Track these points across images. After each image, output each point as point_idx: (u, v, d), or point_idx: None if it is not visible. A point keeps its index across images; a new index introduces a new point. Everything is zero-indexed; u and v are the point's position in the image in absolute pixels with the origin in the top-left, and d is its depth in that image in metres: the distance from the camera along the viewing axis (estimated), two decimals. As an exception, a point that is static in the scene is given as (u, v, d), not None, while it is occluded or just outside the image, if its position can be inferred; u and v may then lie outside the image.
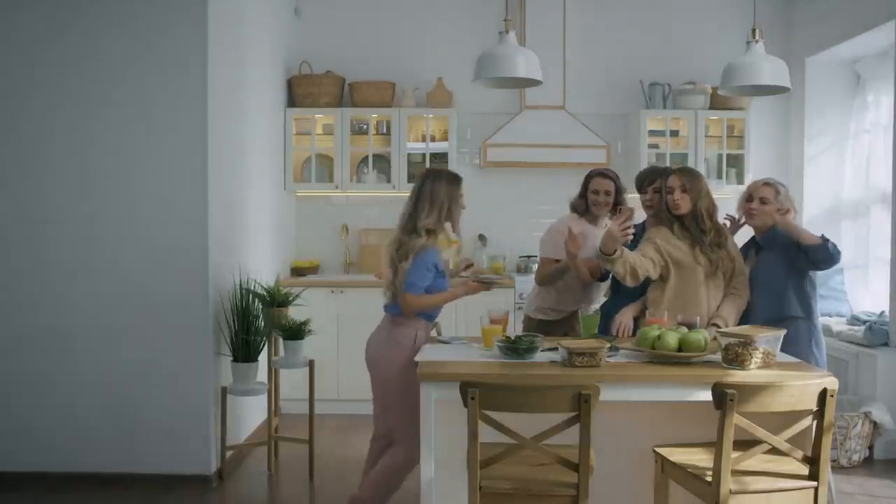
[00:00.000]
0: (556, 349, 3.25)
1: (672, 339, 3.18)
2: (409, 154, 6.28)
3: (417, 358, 3.26)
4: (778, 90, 4.26)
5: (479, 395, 2.67)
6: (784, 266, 3.76)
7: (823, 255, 3.64)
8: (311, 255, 6.52)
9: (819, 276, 3.90)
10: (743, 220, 3.99)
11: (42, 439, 4.40)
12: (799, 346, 3.65)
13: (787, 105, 6.43)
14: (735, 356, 3.09)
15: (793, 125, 6.46)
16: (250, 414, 5.12)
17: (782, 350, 3.28)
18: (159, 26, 4.37)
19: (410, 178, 6.15)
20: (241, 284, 4.61)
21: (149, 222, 4.39)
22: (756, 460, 2.82)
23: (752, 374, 3.03)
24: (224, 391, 4.42)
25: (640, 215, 4.13)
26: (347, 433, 5.42)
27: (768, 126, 6.50)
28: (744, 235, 4.01)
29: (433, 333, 3.70)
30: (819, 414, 2.75)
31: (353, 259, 6.54)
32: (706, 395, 2.77)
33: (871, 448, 4.87)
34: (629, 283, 3.65)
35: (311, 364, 4.61)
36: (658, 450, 3.06)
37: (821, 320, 3.97)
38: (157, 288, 4.38)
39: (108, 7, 4.38)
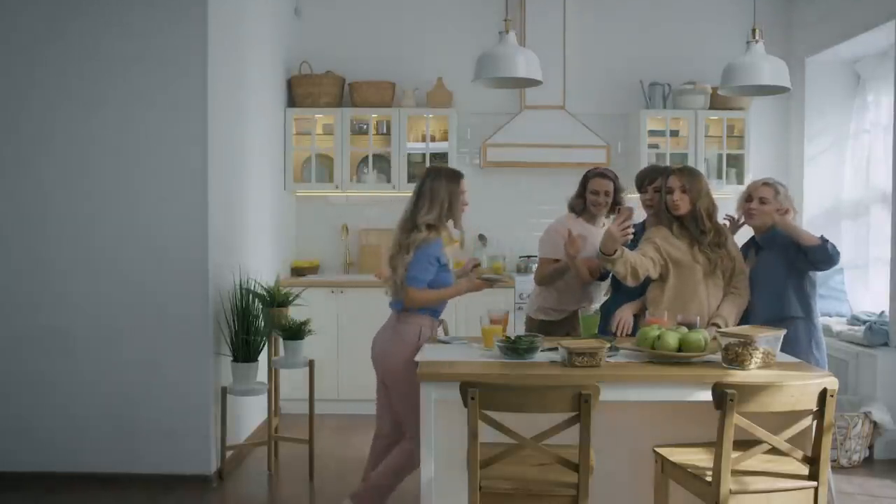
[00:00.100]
0: (556, 349, 3.25)
1: (672, 339, 3.18)
2: (409, 154, 6.28)
3: (417, 358, 3.25)
4: (778, 90, 4.26)
5: (479, 395, 2.67)
6: (784, 266, 3.76)
7: (823, 255, 3.64)
8: (311, 255, 6.52)
9: (819, 276, 3.90)
10: (742, 220, 3.99)
11: (42, 439, 4.40)
12: (799, 347, 3.65)
13: (787, 105, 6.43)
14: (735, 356, 3.09)
15: (793, 125, 6.46)
16: (250, 414, 5.12)
17: (782, 350, 3.28)
18: (159, 26, 4.37)
19: (410, 178, 6.16)
20: (241, 284, 4.61)
21: (149, 222, 4.39)
22: (756, 460, 2.82)
23: (752, 374, 3.03)
24: (224, 391, 4.42)
25: (640, 215, 4.13)
26: (347, 433, 5.42)
27: (768, 126, 6.50)
28: (744, 235, 4.01)
29: (439, 331, 3.70)
30: (819, 414, 2.75)
31: (353, 259, 6.54)
32: (706, 395, 2.77)
33: (871, 448, 4.87)
34: (630, 282, 3.66)
35: (311, 364, 4.61)
36: (658, 450, 3.06)
37: (821, 320, 3.97)
38: (156, 288, 4.38)
39: (108, 7, 4.38)
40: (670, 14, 6.53)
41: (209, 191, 4.39)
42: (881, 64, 5.79)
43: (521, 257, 6.36)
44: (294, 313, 4.72)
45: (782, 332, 3.21)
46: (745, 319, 3.75)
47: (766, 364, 3.10)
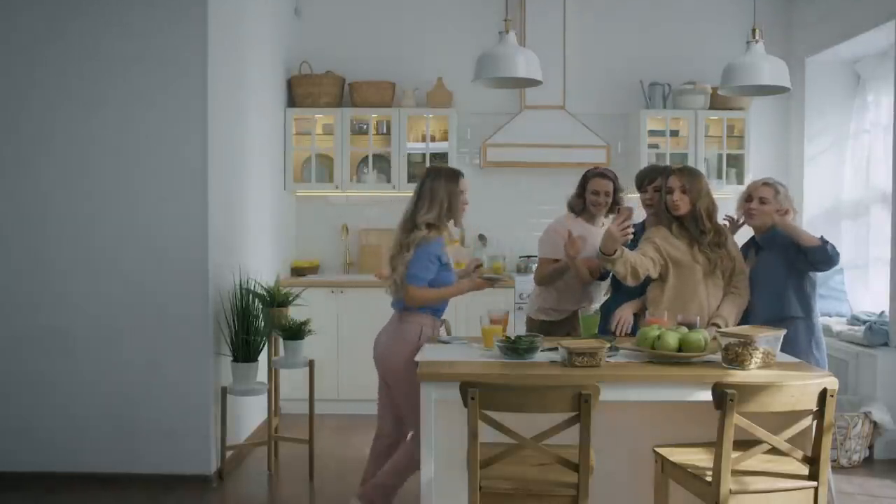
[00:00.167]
0: (556, 349, 3.25)
1: (672, 339, 3.18)
2: (409, 154, 6.28)
3: (417, 358, 3.25)
4: (778, 90, 4.26)
5: (479, 395, 2.67)
6: (784, 266, 3.76)
7: (822, 256, 3.64)
8: (311, 255, 6.52)
9: (819, 275, 3.90)
10: (741, 220, 3.99)
11: (42, 439, 4.40)
12: (798, 347, 3.65)
13: (787, 105, 6.43)
14: (735, 356, 3.08)
15: (793, 125, 6.46)
16: (250, 414, 5.12)
17: (782, 350, 3.28)
18: (159, 26, 4.37)
19: (410, 178, 6.16)
20: (241, 284, 4.61)
21: (149, 222, 4.39)
22: (756, 460, 2.82)
23: (752, 374, 3.02)
24: (224, 391, 4.42)
25: (640, 214, 4.13)
26: (347, 433, 5.42)
27: (768, 126, 6.50)
28: (744, 235, 4.01)
29: (441, 331, 3.70)
30: (819, 414, 2.75)
31: (353, 259, 6.54)
32: (706, 395, 2.77)
33: (871, 448, 4.87)
34: (630, 282, 3.66)
35: (311, 364, 4.61)
36: (658, 450, 3.06)
37: (821, 320, 3.97)
38: (157, 288, 4.38)
39: (108, 7, 4.38)
40: (670, 14, 6.53)
41: (209, 191, 4.39)
42: (881, 64, 5.79)
43: (521, 257, 6.36)
44: (294, 313, 4.72)
45: (782, 332, 3.21)
46: (745, 319, 3.74)
47: (766, 364, 3.10)
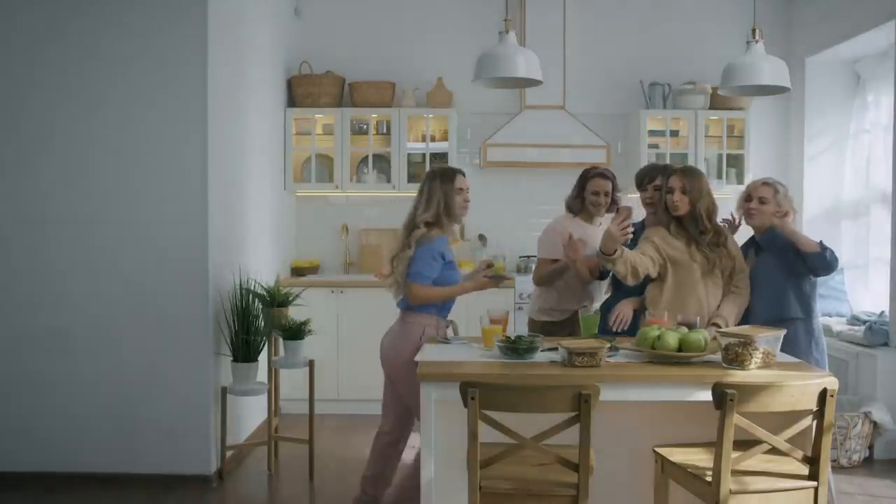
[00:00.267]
0: (556, 349, 3.24)
1: (672, 339, 3.18)
2: (409, 154, 6.28)
3: (417, 358, 3.26)
4: (778, 90, 4.26)
5: (479, 395, 2.67)
6: (783, 267, 3.75)
7: (821, 263, 3.64)
8: (311, 255, 6.52)
9: (819, 276, 3.90)
10: (738, 221, 3.99)
11: (42, 439, 4.40)
12: (798, 348, 3.64)
13: (787, 105, 6.43)
14: (735, 356, 3.08)
15: (793, 125, 6.46)
16: (250, 414, 5.12)
17: (782, 352, 3.27)
18: (159, 26, 4.37)
19: (410, 178, 6.17)
20: (241, 284, 4.61)
21: (149, 222, 4.39)
22: (756, 460, 2.82)
23: (752, 374, 3.02)
24: (224, 391, 4.42)
25: (640, 213, 4.12)
26: (347, 433, 5.42)
27: (768, 126, 6.50)
28: (744, 235, 4.00)
29: (448, 332, 3.71)
30: (819, 414, 2.75)
31: (353, 259, 6.54)
32: (706, 395, 2.77)
33: (871, 448, 4.87)
34: (630, 281, 3.66)
35: (311, 364, 4.61)
36: (658, 450, 3.06)
37: (821, 320, 3.96)
38: (157, 288, 4.38)
39: (108, 7, 4.38)
40: (670, 14, 6.53)
41: (209, 191, 4.39)
42: (881, 64, 5.79)
43: (521, 257, 6.36)
44: (294, 313, 4.72)
45: (782, 332, 3.21)
46: (744, 320, 3.74)
47: (766, 364, 3.10)
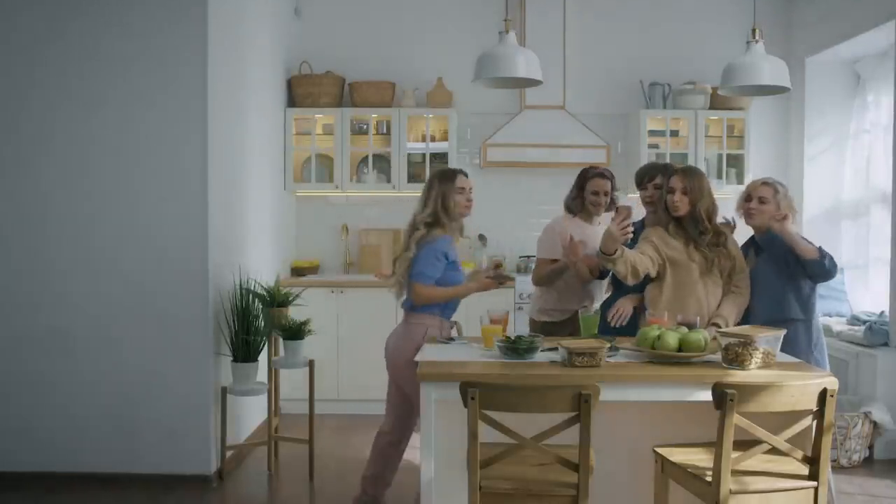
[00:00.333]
0: (556, 349, 3.24)
1: (672, 339, 3.18)
2: (409, 154, 6.28)
3: (417, 358, 3.26)
4: (778, 90, 4.26)
5: (479, 395, 2.67)
6: (783, 269, 3.75)
7: (819, 270, 3.64)
8: (311, 255, 6.52)
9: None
10: (736, 223, 3.98)
11: (42, 439, 4.40)
12: (798, 349, 3.64)
13: (787, 105, 6.43)
14: (735, 356, 3.08)
15: (793, 125, 6.46)
16: (250, 414, 5.12)
17: (782, 352, 3.27)
18: (159, 26, 4.37)
19: (410, 179, 6.18)
20: (241, 284, 4.61)
21: (149, 222, 4.39)
22: (756, 460, 2.82)
23: (752, 374, 3.02)
24: (224, 391, 4.42)
25: (639, 212, 4.12)
26: (347, 433, 5.42)
27: (768, 126, 6.50)
28: (744, 235, 4.00)
29: (453, 332, 3.71)
30: (819, 414, 2.75)
31: (353, 259, 6.54)
32: (706, 395, 2.77)
33: (871, 448, 4.87)
34: (630, 281, 3.66)
35: (311, 364, 4.61)
36: (658, 450, 3.06)
37: (821, 320, 3.96)
38: (157, 288, 4.38)
39: (108, 7, 4.38)
40: (670, 14, 6.53)
41: (209, 191, 4.39)
42: (881, 64, 5.79)
43: (521, 257, 6.36)
44: (294, 313, 4.72)
45: (782, 332, 3.21)
46: (744, 321, 3.73)
47: (766, 364, 3.10)
